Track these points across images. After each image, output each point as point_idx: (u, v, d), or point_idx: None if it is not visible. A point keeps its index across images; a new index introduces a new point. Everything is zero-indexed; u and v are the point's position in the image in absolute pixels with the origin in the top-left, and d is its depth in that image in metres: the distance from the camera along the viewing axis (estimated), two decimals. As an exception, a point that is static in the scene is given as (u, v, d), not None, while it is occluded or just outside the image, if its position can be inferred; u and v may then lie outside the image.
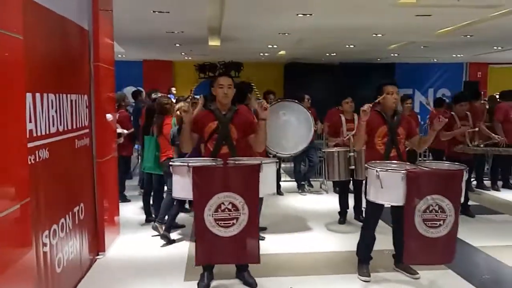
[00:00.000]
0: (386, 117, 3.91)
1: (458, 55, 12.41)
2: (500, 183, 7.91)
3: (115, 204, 5.23)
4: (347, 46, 10.32)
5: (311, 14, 6.62)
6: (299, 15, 6.67)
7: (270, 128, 4.75)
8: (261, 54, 11.85)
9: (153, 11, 6.26)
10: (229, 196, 3.33)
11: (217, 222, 3.34)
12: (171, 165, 3.47)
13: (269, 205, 6.49)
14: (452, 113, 5.98)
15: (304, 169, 7.67)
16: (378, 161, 3.74)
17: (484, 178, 7.95)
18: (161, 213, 5.18)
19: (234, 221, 3.36)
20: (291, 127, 4.92)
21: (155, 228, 5.14)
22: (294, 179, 7.73)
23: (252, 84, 5.33)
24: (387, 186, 3.44)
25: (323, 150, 5.66)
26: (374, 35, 8.66)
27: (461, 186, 3.44)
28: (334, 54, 11.84)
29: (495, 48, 10.58)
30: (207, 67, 11.27)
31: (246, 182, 3.38)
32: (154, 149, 5.37)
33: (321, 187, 7.64)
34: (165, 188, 5.37)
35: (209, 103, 4.17)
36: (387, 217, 4.02)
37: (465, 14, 6.71)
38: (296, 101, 5.12)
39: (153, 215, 5.63)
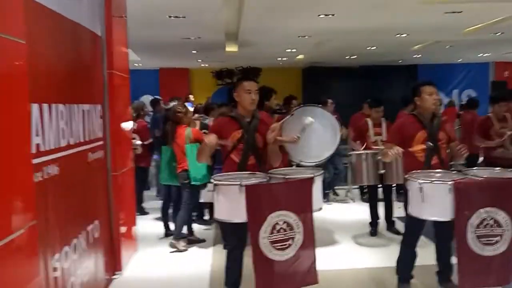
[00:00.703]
0: (424, 121, 3.56)
1: (485, 54, 11.90)
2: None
3: (132, 219, 4.97)
4: (368, 48, 9.96)
5: (333, 15, 6.31)
6: (321, 16, 6.37)
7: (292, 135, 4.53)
8: (279, 59, 11.57)
9: (169, 16, 6.03)
10: (284, 214, 3.01)
11: (273, 245, 2.99)
12: (216, 184, 3.09)
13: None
14: (489, 114, 5.57)
15: (329, 177, 7.30)
16: (419, 171, 3.38)
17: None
18: (178, 229, 4.90)
19: (290, 241, 3.03)
20: (315, 133, 4.56)
21: (172, 246, 4.87)
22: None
23: (273, 90, 5.02)
24: (432, 199, 3.08)
25: (349, 154, 5.32)
26: (398, 35, 8.29)
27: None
28: (355, 56, 11.48)
29: (526, 45, 10.08)
30: (224, 73, 10.99)
31: (299, 198, 3.08)
32: (171, 160, 5.09)
33: (347, 196, 7.27)
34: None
35: (227, 110, 3.84)
36: (427, 229, 3.65)
37: (496, 10, 6.32)
38: (320, 105, 4.77)
39: (172, 229, 5.36)
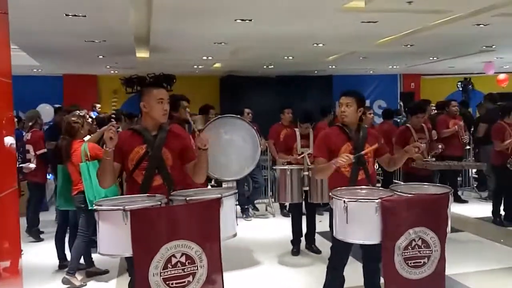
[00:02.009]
0: (349, 132, 3.28)
1: (394, 66, 12.42)
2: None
3: (15, 251, 4.14)
4: (285, 57, 9.83)
5: (251, 20, 5.97)
6: (238, 21, 6.00)
7: (210, 149, 4.06)
8: (195, 66, 11.06)
9: (66, 15, 5.27)
10: (182, 245, 2.48)
11: (167, 283, 2.44)
12: (96, 210, 2.52)
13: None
14: (408, 125, 5.57)
15: (248, 191, 6.93)
16: (343, 188, 3.08)
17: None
18: (72, 261, 4.19)
19: (190, 278, 2.50)
20: (235, 147, 4.17)
21: (66, 282, 4.13)
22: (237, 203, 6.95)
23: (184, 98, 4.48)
24: (357, 219, 2.77)
25: (273, 168, 4.99)
26: (315, 44, 8.21)
27: (447, 213, 2.87)
28: (272, 66, 11.34)
29: (431, 58, 10.61)
30: (135, 80, 10.21)
31: (203, 224, 2.55)
32: (67, 181, 4.36)
33: (266, 210, 6.94)
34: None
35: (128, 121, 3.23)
36: (354, 249, 3.36)
37: (410, 21, 6.42)
38: (239, 116, 4.38)
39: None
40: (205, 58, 9.50)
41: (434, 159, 5.77)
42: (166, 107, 2.88)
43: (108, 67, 10.64)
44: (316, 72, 12.94)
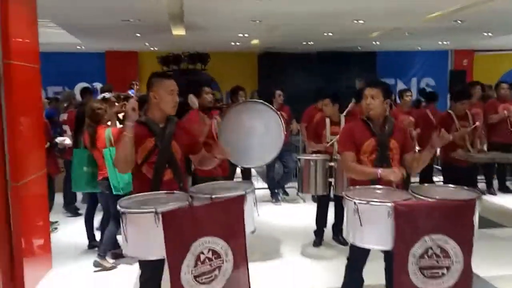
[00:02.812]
0: (373, 126, 3.03)
1: (444, 42, 11.63)
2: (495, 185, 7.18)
3: (44, 232, 4.28)
4: (325, 34, 9.42)
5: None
6: (267, -1, 5.74)
7: (232, 136, 3.92)
8: (232, 43, 10.86)
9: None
10: (209, 241, 2.47)
11: (197, 279, 2.43)
12: (123, 213, 2.44)
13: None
14: (450, 111, 5.16)
15: (279, 175, 6.78)
16: (358, 187, 2.86)
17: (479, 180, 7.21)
18: (104, 245, 4.25)
19: (216, 271, 2.51)
20: (257, 134, 3.97)
21: (97, 264, 4.21)
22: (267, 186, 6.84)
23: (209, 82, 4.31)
24: (369, 223, 2.56)
25: (298, 157, 4.77)
26: (355, 21, 7.78)
27: (473, 221, 2.58)
28: (312, 43, 10.93)
29: (485, 34, 9.82)
30: (171, 59, 10.21)
31: (228, 220, 2.57)
32: (82, 164, 4.39)
33: (297, 195, 6.77)
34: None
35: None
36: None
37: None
38: (263, 101, 4.15)
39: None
40: (241, 35, 9.28)
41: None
42: (176, 99, 2.77)
43: (147, 44, 10.67)
44: (359, 48, 12.37)
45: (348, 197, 2.66)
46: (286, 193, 6.84)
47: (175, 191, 2.68)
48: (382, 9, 6.71)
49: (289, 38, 10.14)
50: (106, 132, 4.15)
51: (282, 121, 4.10)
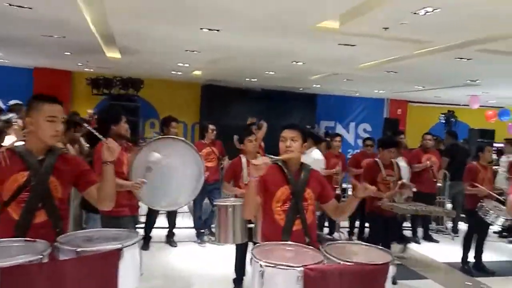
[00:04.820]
0: (288, 173, 2.81)
1: (380, 91, 12.05)
2: (419, 234, 7.25)
3: None
4: (266, 72, 9.40)
5: (218, 30, 5.52)
6: (204, 30, 5.54)
7: (145, 175, 3.57)
8: (173, 72, 10.57)
9: (10, 4, 4.75)
10: None
11: None
12: None
13: (155, 261, 5.21)
14: (377, 159, 5.12)
15: (206, 214, 6.41)
16: (268, 243, 2.60)
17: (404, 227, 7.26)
18: None
19: None
20: (173, 175, 3.64)
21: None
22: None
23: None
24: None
25: (214, 203, 4.39)
26: (294, 62, 7.79)
27: (384, 286, 2.37)
28: (255, 79, 10.89)
29: (417, 86, 10.25)
30: (102, 82, 9.69)
31: (97, 281, 2.11)
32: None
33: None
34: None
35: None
36: None
37: (390, 48, 6.02)
38: (183, 139, 3.84)
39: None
40: (181, 64, 9.01)
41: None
42: (58, 127, 2.37)
43: (80, 64, 10.10)
44: (301, 89, 12.52)
45: (255, 257, 2.35)
46: (212, 234, 6.47)
47: (37, 240, 2.21)
48: (319, 54, 6.75)
49: (232, 73, 10.04)
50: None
51: (203, 162, 3.81)
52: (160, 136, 3.92)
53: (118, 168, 3.59)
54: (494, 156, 8.22)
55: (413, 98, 13.42)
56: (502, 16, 4.22)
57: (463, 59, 6.26)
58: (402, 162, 6.06)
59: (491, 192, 5.36)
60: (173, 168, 3.67)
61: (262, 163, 2.49)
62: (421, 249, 6.75)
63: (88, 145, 5.12)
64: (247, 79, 10.89)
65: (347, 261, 2.35)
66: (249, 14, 4.81)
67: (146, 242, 5.84)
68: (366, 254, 2.57)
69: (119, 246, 2.20)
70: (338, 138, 6.72)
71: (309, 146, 5.96)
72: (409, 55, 6.30)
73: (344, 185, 7.29)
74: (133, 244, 2.31)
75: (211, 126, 6.30)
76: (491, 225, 5.55)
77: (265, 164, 2.50)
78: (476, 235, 5.72)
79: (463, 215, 5.99)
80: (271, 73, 9.45)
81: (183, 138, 3.90)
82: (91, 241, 2.37)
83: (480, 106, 11.29)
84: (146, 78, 11.05)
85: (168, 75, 11.04)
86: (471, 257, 5.76)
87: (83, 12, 5.05)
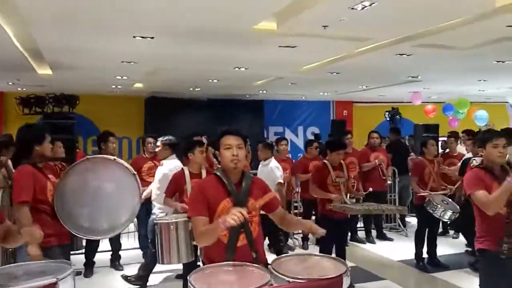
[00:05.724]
0: (228, 184, 2.57)
1: (326, 93, 12.13)
2: (374, 233, 7.23)
3: None
4: (210, 80, 9.16)
5: (152, 38, 5.23)
6: (138, 38, 5.23)
7: (73, 200, 3.22)
8: (113, 86, 10.10)
9: None
10: None
11: None
12: None
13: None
14: (325, 161, 5.01)
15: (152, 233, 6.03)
16: (209, 266, 2.33)
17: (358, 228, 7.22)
18: None
19: None
20: (106, 198, 3.29)
21: None
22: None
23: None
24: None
25: (154, 222, 4.03)
26: (236, 68, 7.60)
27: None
28: (199, 89, 10.61)
29: (360, 86, 10.36)
30: (33, 101, 9.08)
31: None
32: None
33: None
34: None
35: None
36: None
37: (330, 47, 5.96)
38: (116, 158, 3.49)
39: None
40: (119, 77, 8.59)
41: (354, 200, 5.24)
42: None
43: (10, 83, 9.42)
44: (248, 96, 12.38)
45: (192, 282, 2.08)
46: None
47: None
48: (260, 58, 6.60)
49: (174, 83, 9.72)
50: None
51: (139, 183, 3.48)
52: (89, 156, 3.54)
53: (42, 195, 3.23)
54: (441, 150, 8.39)
55: (358, 99, 13.63)
56: (440, 9, 4.23)
57: (403, 55, 6.32)
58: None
59: (437, 193, 5.46)
60: (104, 192, 3.33)
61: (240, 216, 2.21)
62: (376, 249, 6.71)
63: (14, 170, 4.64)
64: (191, 89, 10.59)
65: (298, 279, 2.12)
66: (181, 20, 4.57)
67: (89, 267, 5.41)
68: (318, 266, 2.37)
69: (53, 280, 1.97)
70: (283, 142, 6.59)
71: (267, 156, 5.88)
72: (350, 54, 6.28)
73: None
74: (67, 275, 2.09)
75: (148, 139, 5.99)
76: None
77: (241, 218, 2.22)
78: (428, 230, 5.73)
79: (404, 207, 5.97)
80: (214, 81, 9.23)
81: (115, 157, 3.56)
82: (17, 278, 2.10)
83: (423, 102, 11.61)
84: (85, 94, 10.51)
85: (109, 89, 10.56)
86: (425, 253, 5.76)
87: (2, 25, 4.61)
